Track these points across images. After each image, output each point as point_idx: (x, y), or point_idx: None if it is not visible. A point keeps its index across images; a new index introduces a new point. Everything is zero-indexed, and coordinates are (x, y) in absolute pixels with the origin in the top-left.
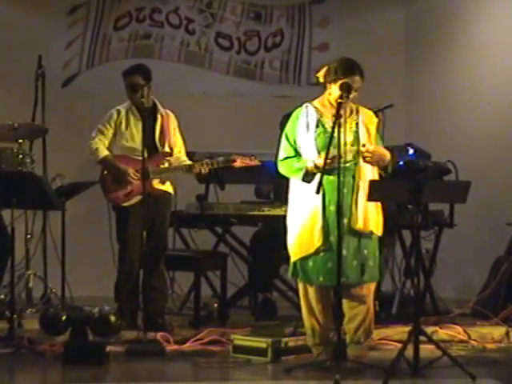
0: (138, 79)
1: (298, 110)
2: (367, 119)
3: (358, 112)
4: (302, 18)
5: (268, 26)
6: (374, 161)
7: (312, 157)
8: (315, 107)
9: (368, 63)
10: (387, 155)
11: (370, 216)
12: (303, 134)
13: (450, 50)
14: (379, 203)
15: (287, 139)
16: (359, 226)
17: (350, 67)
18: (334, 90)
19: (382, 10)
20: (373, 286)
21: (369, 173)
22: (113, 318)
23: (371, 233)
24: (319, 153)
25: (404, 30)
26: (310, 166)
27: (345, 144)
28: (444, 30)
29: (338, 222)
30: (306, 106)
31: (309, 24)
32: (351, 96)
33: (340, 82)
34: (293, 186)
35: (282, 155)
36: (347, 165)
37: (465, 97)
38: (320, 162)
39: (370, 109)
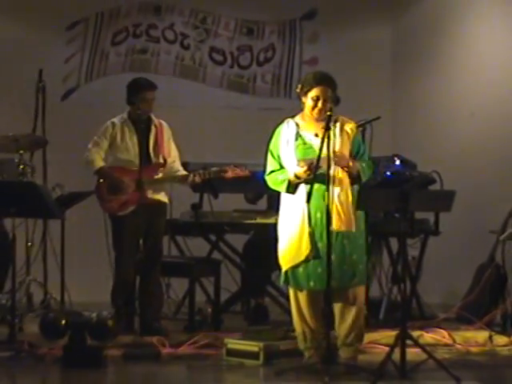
0: (154, 94)
1: (280, 126)
2: (348, 129)
3: (336, 122)
4: (293, 33)
5: (260, 41)
6: (340, 164)
7: (293, 168)
8: (295, 122)
9: (355, 77)
10: (350, 162)
11: (351, 217)
12: (284, 148)
13: (434, 64)
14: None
15: (272, 155)
16: (343, 228)
17: (316, 78)
18: (307, 102)
19: (369, 27)
20: (362, 289)
21: (346, 179)
22: (110, 323)
23: (357, 234)
24: (298, 165)
25: (390, 45)
26: (291, 176)
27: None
28: (428, 44)
29: (327, 228)
30: (287, 122)
31: (299, 39)
32: (321, 105)
33: (310, 94)
34: (282, 198)
35: (268, 170)
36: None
37: (449, 109)
38: (298, 170)
39: (356, 123)
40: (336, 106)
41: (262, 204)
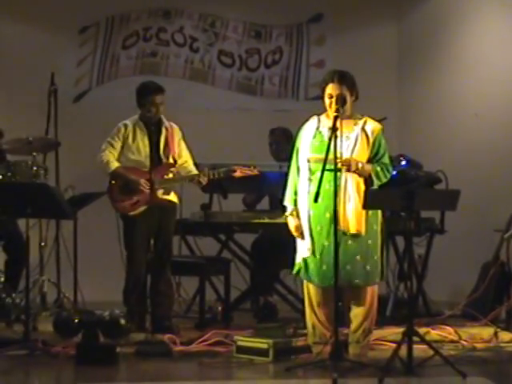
0: (163, 97)
1: (306, 124)
2: (370, 130)
3: (358, 123)
4: (300, 36)
5: (268, 44)
6: (351, 169)
7: (303, 163)
8: (319, 118)
9: (362, 78)
10: (364, 165)
11: (360, 220)
12: (303, 144)
13: (439, 64)
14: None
15: (296, 153)
16: (351, 230)
17: (331, 76)
18: (325, 100)
19: (375, 28)
20: (371, 289)
21: (358, 181)
22: (122, 321)
23: (365, 234)
24: (309, 161)
25: (396, 46)
26: (288, 213)
27: (341, 154)
28: (433, 45)
29: (334, 228)
30: (313, 118)
31: (306, 42)
32: (335, 107)
33: (326, 91)
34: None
35: (291, 164)
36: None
37: (454, 109)
38: (292, 225)
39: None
40: (343, 106)
41: (265, 205)
